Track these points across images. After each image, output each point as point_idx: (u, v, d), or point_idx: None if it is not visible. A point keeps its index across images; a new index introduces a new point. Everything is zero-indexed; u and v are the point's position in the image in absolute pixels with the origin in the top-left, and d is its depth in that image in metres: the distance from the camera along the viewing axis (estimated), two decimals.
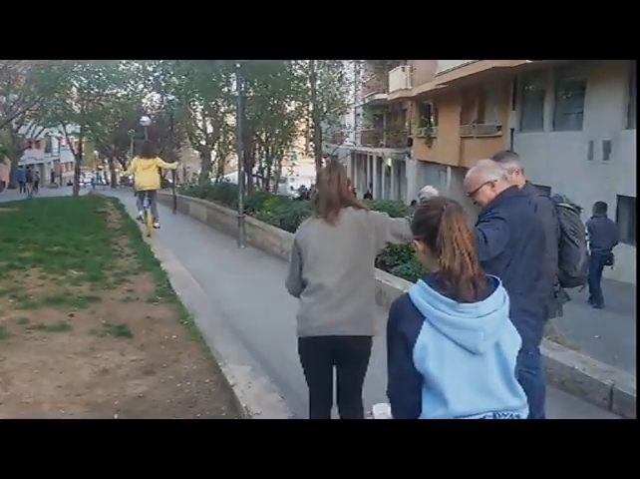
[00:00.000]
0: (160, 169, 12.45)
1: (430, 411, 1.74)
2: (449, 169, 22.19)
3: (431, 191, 3.16)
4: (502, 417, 1.74)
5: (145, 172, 11.49)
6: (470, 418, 1.72)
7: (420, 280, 1.78)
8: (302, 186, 31.78)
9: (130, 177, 19.82)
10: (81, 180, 37.76)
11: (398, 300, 1.83)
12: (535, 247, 3.08)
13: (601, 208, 9.53)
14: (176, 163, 12.85)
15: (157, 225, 12.02)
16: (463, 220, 1.75)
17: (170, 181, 29.86)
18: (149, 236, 11.66)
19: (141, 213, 12.18)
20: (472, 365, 1.71)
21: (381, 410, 3.10)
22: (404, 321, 1.74)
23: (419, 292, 1.75)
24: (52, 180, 51.81)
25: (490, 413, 1.73)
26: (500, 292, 1.76)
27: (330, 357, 3.02)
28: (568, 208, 3.49)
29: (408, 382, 1.75)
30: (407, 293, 1.80)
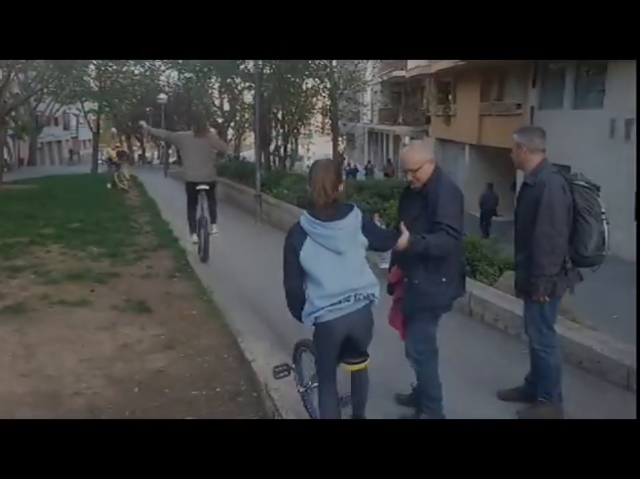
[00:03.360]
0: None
1: (312, 292, 2.77)
2: (467, 147, 21.94)
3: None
4: (359, 294, 2.77)
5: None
6: (337, 299, 2.72)
7: (304, 212, 2.80)
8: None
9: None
10: (99, 157, 37.75)
11: (293, 225, 2.82)
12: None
13: (489, 186, 17.18)
14: None
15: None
16: (326, 171, 2.76)
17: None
18: (114, 185, 18.33)
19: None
20: (337, 261, 2.73)
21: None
22: (295, 237, 2.76)
23: (304, 219, 2.76)
24: (70, 157, 52.17)
25: (352, 292, 2.75)
26: (354, 213, 2.75)
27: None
28: (584, 186, 3.45)
29: (295, 275, 2.79)
30: (298, 221, 2.78)
